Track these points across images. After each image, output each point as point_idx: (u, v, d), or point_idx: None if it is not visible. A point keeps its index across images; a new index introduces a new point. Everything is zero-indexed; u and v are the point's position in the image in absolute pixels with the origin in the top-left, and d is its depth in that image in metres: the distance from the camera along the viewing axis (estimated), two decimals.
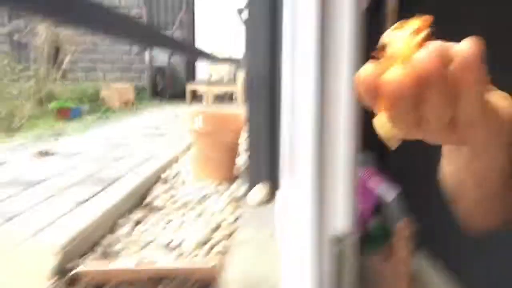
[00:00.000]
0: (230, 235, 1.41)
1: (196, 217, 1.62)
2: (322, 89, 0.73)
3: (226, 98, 7.31)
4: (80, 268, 0.93)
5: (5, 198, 1.93)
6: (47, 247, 1.03)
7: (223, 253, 1.25)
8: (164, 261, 1.12)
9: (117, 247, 1.31)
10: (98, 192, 1.93)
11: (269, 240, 1.27)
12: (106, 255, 1.23)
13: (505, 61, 0.73)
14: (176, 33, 7.34)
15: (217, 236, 1.40)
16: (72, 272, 0.91)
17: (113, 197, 1.85)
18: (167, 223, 1.53)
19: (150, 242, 1.34)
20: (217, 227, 1.47)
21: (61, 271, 1.01)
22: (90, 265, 0.95)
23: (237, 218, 1.57)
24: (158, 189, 2.17)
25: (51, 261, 0.94)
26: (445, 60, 0.26)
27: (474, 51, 0.26)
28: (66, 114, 5.03)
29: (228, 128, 2.41)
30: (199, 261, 1.05)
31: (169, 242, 1.31)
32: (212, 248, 1.30)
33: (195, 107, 5.13)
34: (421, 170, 0.95)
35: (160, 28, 7.04)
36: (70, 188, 2.07)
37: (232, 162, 2.41)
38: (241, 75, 5.80)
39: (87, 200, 1.81)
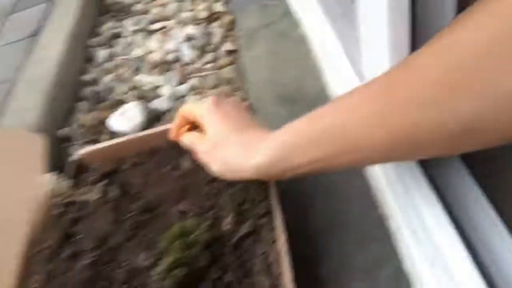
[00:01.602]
0: (232, 23, 1.07)
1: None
2: None
3: None
4: (81, 154, 0.69)
5: None
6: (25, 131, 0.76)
7: (234, 51, 0.99)
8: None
9: (105, 79, 1.01)
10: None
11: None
12: (97, 99, 0.95)
13: None
14: None
15: (217, 30, 1.06)
16: (73, 160, 0.69)
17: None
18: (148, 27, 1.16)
19: (140, 61, 1.04)
20: (210, 16, 1.12)
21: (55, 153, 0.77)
22: (92, 147, 0.70)
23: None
24: None
25: (40, 145, 0.71)
26: None
27: None
28: None
29: None
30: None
31: (164, 56, 1.03)
32: (216, 50, 1.00)
33: None
34: None
35: None
36: None
37: None
38: None
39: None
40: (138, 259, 0.55)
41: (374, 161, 0.44)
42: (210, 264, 0.52)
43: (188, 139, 0.58)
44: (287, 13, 1.01)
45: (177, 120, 0.61)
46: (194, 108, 0.57)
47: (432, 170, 0.49)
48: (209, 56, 1.01)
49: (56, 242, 0.61)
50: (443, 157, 0.50)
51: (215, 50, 1.03)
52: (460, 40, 0.30)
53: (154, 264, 0.53)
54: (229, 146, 0.50)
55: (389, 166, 0.52)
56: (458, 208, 0.46)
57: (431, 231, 0.44)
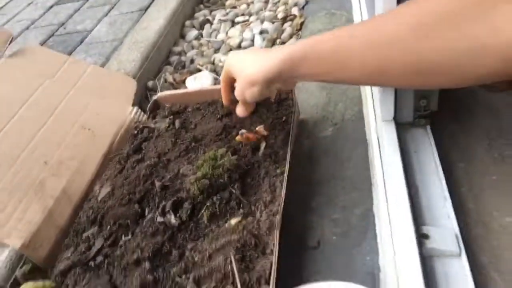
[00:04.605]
0: (301, 25, 1.29)
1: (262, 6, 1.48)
2: None
3: None
4: (159, 95, 0.94)
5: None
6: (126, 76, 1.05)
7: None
8: None
9: (190, 53, 1.28)
10: None
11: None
12: (181, 66, 1.22)
13: None
14: None
15: (287, 28, 1.29)
16: (152, 99, 0.93)
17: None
18: (233, 20, 1.42)
19: (221, 44, 1.30)
20: (286, 17, 1.35)
21: (140, 95, 1.06)
22: (167, 92, 0.96)
23: (307, 2, 1.40)
24: None
25: (133, 86, 0.98)
26: None
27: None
28: None
29: None
30: None
31: (240, 42, 1.27)
32: (283, 44, 1.22)
33: None
34: None
35: None
36: None
37: None
38: None
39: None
40: (182, 168, 0.75)
41: (359, 82, 0.57)
42: (229, 182, 0.70)
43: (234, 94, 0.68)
44: (349, 20, 1.18)
45: (222, 88, 0.72)
46: (224, 68, 0.67)
47: (407, 140, 0.64)
48: (276, 47, 1.20)
49: (129, 151, 0.84)
50: (415, 130, 0.65)
51: (281, 43, 1.22)
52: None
53: (192, 174, 0.72)
54: (250, 64, 0.60)
55: (384, 136, 0.67)
56: (417, 166, 0.61)
57: (391, 181, 0.58)
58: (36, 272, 0.68)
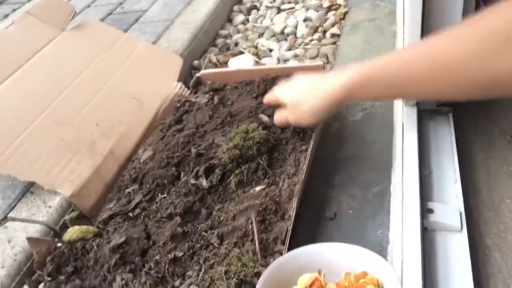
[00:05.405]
0: (345, 14, 1.32)
1: None
2: None
3: None
4: (201, 73, 1.02)
5: None
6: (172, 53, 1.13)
7: (338, 36, 1.23)
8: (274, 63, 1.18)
9: (236, 37, 1.34)
10: None
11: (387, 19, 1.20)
12: (225, 47, 1.29)
13: None
14: None
15: (331, 17, 1.32)
16: (196, 76, 1.01)
17: None
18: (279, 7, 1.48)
19: (265, 29, 1.34)
20: (331, 7, 1.38)
21: (185, 73, 1.13)
22: (209, 70, 1.06)
23: None
24: None
25: (179, 64, 1.06)
26: None
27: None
28: None
29: None
30: (308, 61, 1.13)
31: (283, 28, 1.32)
32: (325, 32, 1.26)
33: None
34: None
35: None
36: None
37: None
38: None
39: None
40: (217, 139, 0.82)
41: (424, 99, 0.60)
42: (258, 154, 0.76)
43: (278, 116, 0.76)
44: (391, 13, 1.20)
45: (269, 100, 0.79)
46: (276, 96, 0.74)
47: (429, 126, 0.67)
48: (317, 35, 1.24)
49: (171, 121, 0.91)
50: (437, 117, 0.68)
51: (323, 32, 1.26)
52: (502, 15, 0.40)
53: (225, 144, 0.79)
54: (304, 101, 0.65)
55: (406, 120, 0.71)
56: (434, 151, 0.64)
57: (407, 161, 0.62)
58: (82, 219, 0.77)
